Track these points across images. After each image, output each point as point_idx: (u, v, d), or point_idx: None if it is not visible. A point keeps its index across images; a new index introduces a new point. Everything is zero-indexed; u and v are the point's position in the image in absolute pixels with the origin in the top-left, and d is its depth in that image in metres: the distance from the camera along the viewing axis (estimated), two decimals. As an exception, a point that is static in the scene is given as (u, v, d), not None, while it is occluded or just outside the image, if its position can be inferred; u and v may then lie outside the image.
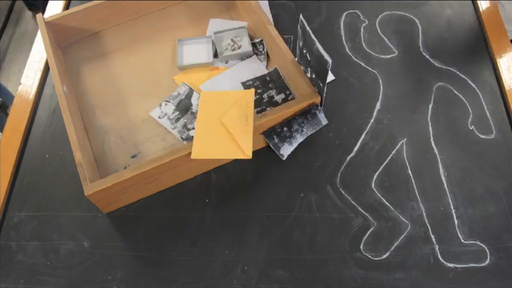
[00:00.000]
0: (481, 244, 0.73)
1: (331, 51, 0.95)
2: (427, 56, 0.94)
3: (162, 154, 0.72)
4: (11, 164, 0.83)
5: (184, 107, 0.85)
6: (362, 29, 0.98)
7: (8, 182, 0.81)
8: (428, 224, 0.75)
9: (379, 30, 0.98)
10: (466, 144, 0.82)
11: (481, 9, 0.99)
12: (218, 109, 0.77)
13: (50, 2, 1.06)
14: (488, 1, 1.01)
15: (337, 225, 0.75)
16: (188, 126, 0.82)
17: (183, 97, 0.85)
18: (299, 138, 0.80)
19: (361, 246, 0.73)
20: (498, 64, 0.91)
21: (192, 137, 0.78)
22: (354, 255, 0.72)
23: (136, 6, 0.97)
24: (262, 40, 0.91)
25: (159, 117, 0.83)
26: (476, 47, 0.95)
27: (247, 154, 0.72)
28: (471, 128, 0.84)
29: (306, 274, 0.71)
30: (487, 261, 0.71)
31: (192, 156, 0.72)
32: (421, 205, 0.76)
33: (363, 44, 0.96)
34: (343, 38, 0.97)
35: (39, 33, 0.99)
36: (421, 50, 0.95)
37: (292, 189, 0.79)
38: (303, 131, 0.80)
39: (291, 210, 0.77)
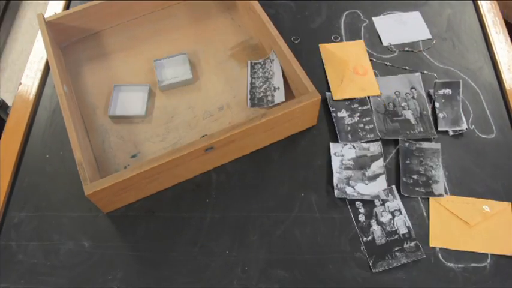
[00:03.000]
0: (482, 244, 0.73)
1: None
2: (427, 56, 0.94)
3: (162, 154, 0.72)
4: (11, 164, 0.83)
5: None
6: (362, 28, 0.98)
7: (8, 182, 0.81)
8: (428, 224, 0.75)
9: (377, 32, 0.98)
10: (467, 144, 0.82)
11: (481, 9, 0.99)
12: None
13: (50, 2, 1.06)
14: (488, 1, 1.01)
15: (337, 225, 0.75)
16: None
17: None
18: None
19: (361, 247, 0.73)
20: (498, 64, 0.91)
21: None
22: (355, 255, 0.72)
23: (136, 6, 0.97)
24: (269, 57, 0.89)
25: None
26: (476, 47, 0.95)
27: None
28: (472, 128, 0.84)
29: (306, 274, 0.71)
30: (487, 261, 0.71)
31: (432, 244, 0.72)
32: (421, 205, 0.76)
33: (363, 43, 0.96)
34: (344, 37, 0.97)
35: (39, 33, 0.99)
36: (421, 49, 0.95)
37: (292, 189, 0.79)
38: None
39: (291, 210, 0.77)
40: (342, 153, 0.80)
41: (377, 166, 0.78)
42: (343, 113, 0.85)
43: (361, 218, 0.75)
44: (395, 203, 0.76)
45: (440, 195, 0.76)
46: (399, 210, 0.75)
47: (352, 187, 0.77)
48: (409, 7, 1.01)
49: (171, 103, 0.87)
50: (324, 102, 0.87)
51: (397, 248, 0.72)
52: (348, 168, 0.78)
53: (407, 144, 0.81)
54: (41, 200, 0.79)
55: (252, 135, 0.77)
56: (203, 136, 0.76)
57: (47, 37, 0.87)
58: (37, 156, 0.84)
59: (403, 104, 0.85)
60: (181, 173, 0.78)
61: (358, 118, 0.83)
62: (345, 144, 0.81)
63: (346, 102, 0.86)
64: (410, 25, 0.98)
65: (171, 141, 0.83)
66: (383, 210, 0.75)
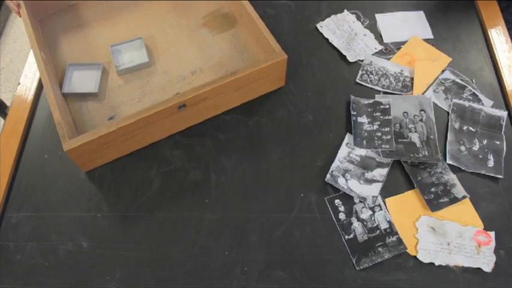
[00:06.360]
0: (482, 245, 0.73)
1: (331, 51, 0.95)
2: (428, 56, 0.93)
3: (137, 111, 0.75)
4: (10, 164, 0.82)
5: None
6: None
7: (7, 182, 0.80)
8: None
9: (379, 29, 0.98)
10: (467, 145, 0.82)
11: (481, 9, 0.99)
12: None
13: None
14: (489, 1, 1.00)
15: (337, 225, 0.75)
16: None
17: None
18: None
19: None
20: (499, 64, 0.91)
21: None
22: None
23: (112, -22, 0.99)
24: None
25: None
26: (476, 47, 0.94)
27: None
28: (472, 128, 0.84)
29: (305, 275, 0.71)
30: (488, 262, 0.71)
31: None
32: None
33: (363, 43, 0.96)
34: (343, 37, 0.97)
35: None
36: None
37: (292, 189, 0.78)
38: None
39: (291, 210, 0.76)
40: (353, 147, 0.80)
41: (379, 173, 0.78)
42: (363, 119, 0.84)
43: (342, 216, 0.75)
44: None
45: (464, 196, 0.75)
46: (379, 205, 0.75)
47: (346, 180, 0.77)
48: (409, 7, 1.01)
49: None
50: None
51: (380, 244, 0.72)
52: (351, 162, 0.78)
53: (409, 162, 0.80)
54: (39, 200, 0.79)
55: (223, 93, 0.80)
56: (176, 94, 0.78)
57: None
58: (35, 157, 0.84)
59: (410, 126, 0.82)
60: (157, 131, 0.80)
61: (377, 126, 0.82)
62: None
63: (369, 109, 0.85)
64: (412, 24, 0.98)
65: (146, 103, 0.86)
66: (363, 207, 0.75)
